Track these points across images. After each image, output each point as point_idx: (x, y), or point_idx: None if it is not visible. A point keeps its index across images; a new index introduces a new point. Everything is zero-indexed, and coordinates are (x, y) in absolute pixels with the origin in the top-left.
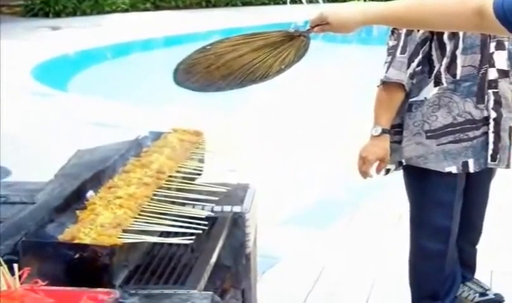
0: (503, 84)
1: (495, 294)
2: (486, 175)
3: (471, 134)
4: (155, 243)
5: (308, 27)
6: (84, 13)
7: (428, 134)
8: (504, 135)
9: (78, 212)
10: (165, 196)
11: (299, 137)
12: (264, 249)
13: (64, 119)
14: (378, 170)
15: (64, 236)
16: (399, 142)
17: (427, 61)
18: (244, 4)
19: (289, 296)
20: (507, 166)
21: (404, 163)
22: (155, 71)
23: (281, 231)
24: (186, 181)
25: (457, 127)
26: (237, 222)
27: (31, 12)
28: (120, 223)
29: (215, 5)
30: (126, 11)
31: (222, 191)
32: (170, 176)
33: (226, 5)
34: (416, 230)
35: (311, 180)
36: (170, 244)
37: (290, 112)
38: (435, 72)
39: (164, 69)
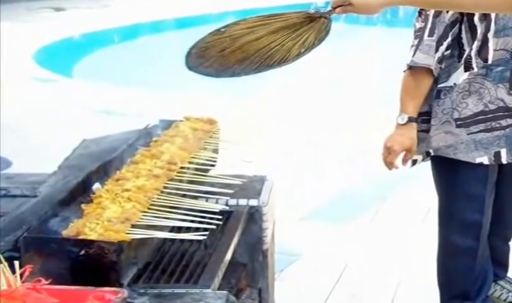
0: None
1: None
2: None
3: (503, 122)
4: (165, 239)
5: (329, 8)
6: None
7: (458, 123)
8: None
9: (83, 206)
10: (177, 189)
11: (320, 125)
12: (282, 245)
13: (69, 107)
14: (404, 161)
15: (69, 231)
16: (427, 131)
17: (457, 44)
18: None
19: (309, 296)
20: None
21: (432, 154)
22: (166, 55)
23: (301, 226)
24: (199, 173)
25: (489, 115)
26: (254, 216)
27: None
28: (128, 217)
29: None
30: None
31: (237, 183)
32: (182, 167)
33: None
34: (445, 225)
35: (333, 171)
36: (182, 240)
37: (310, 98)
38: (465, 56)
39: (175, 53)
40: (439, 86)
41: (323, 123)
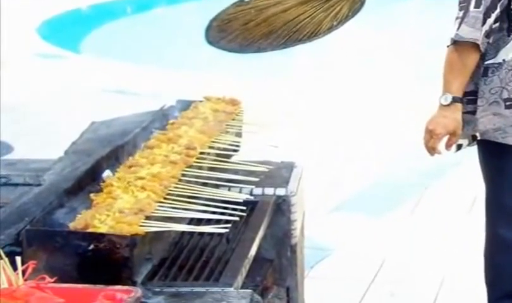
0: None
1: None
2: None
3: None
4: (183, 233)
5: None
6: None
7: (508, 103)
8: None
9: (92, 195)
10: (196, 177)
11: (353, 107)
12: (313, 239)
13: (76, 86)
14: (448, 146)
15: (76, 224)
16: (473, 112)
17: (506, 16)
18: None
19: (342, 295)
20: None
21: (478, 138)
22: (184, 29)
23: (333, 218)
24: (221, 159)
25: None
26: (281, 207)
27: None
28: (142, 208)
29: None
30: None
31: (263, 171)
32: (201, 153)
33: None
34: (493, 217)
35: (369, 158)
36: (202, 233)
37: (342, 78)
38: None
39: (194, 25)
40: (486, 62)
41: (357, 105)
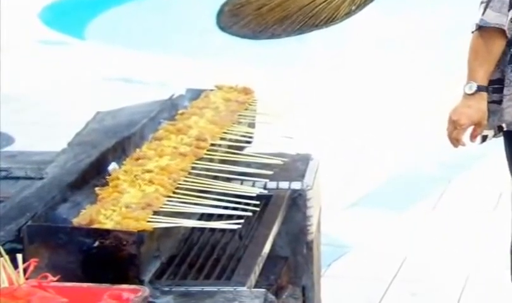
0: None
1: None
2: None
3: None
4: (193, 229)
5: None
6: None
7: None
8: None
9: (97, 189)
10: (207, 170)
11: (372, 97)
12: (330, 235)
13: (80, 74)
14: (473, 137)
15: (80, 219)
16: (499, 102)
17: None
18: None
19: (361, 295)
20: None
21: (505, 128)
22: (193, 14)
23: (351, 213)
24: (233, 151)
25: None
26: (297, 202)
27: None
28: (150, 203)
29: None
30: None
31: (277, 163)
32: (212, 144)
33: None
34: None
35: (388, 150)
36: (213, 230)
37: (360, 66)
38: None
39: (204, 10)
40: None
41: (375, 94)
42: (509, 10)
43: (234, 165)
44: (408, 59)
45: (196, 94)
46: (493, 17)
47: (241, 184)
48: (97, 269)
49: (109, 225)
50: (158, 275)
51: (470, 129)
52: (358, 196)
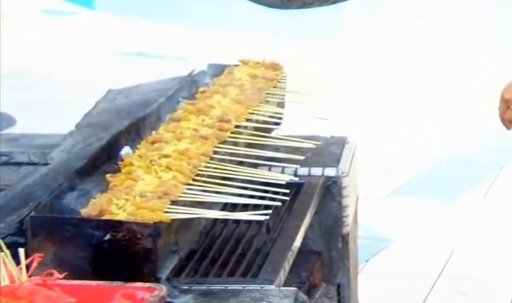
0: None
1: None
2: None
3: None
4: (216, 220)
5: None
6: None
7: None
8: None
9: (108, 176)
10: (231, 154)
11: (417, 75)
12: (368, 228)
13: (90, 47)
14: None
15: (90, 210)
16: None
17: None
18: None
19: (403, 293)
20: None
21: None
22: None
23: (392, 203)
24: (260, 133)
25: None
26: (331, 190)
27: None
28: (167, 191)
29: None
30: None
31: (309, 147)
32: (237, 126)
33: None
34: None
35: (433, 133)
36: (238, 221)
37: (403, 39)
38: None
39: None
40: None
41: (420, 72)
42: None
43: (261, 149)
44: (452, 32)
45: (218, 70)
46: None
47: (269, 170)
48: (108, 266)
49: (121, 216)
50: (177, 272)
51: None
52: (400, 183)
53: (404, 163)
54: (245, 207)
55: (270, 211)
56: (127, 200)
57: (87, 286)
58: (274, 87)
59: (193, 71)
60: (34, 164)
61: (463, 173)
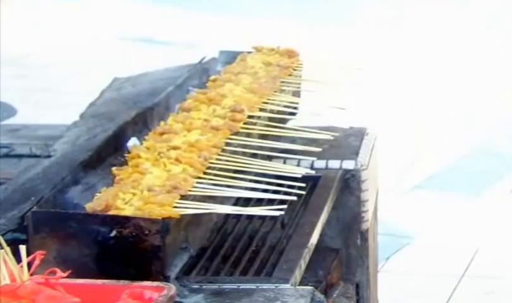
0: None
1: None
2: None
3: None
4: (228, 216)
5: None
6: None
7: None
8: None
9: (114, 169)
10: (244, 146)
11: (440, 61)
12: (389, 224)
13: (94, 33)
14: None
15: (95, 204)
16: None
17: None
18: None
19: (425, 293)
20: None
21: None
22: None
23: (414, 198)
24: (274, 124)
25: None
26: (350, 184)
27: None
28: (177, 185)
29: None
30: None
31: (326, 138)
32: (250, 116)
33: None
34: None
35: (459, 123)
36: (251, 217)
37: (424, 24)
38: None
39: None
40: None
41: (444, 58)
42: None
43: (275, 140)
44: (478, 15)
45: (230, 57)
46: None
47: (284, 162)
48: (114, 264)
49: (128, 211)
50: (187, 270)
51: None
52: (422, 177)
53: (427, 155)
54: (259, 202)
55: (285, 206)
56: (134, 194)
57: (92, 286)
58: (289, 75)
59: (203, 58)
60: (36, 156)
61: (489, 166)
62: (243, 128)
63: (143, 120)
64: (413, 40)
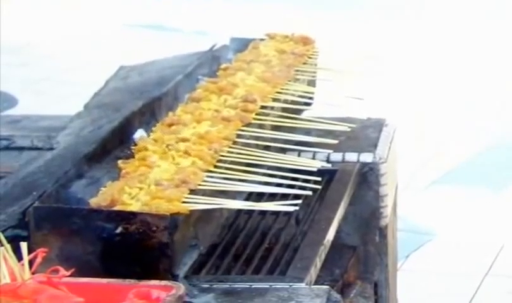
0: None
1: None
2: None
3: None
4: (239, 211)
5: None
6: None
7: None
8: None
9: (120, 163)
10: (256, 138)
11: (462, 49)
12: (408, 220)
13: (99, 20)
14: None
15: (100, 199)
16: None
17: None
18: None
19: (447, 292)
20: None
21: None
22: None
23: (434, 193)
24: (288, 115)
25: None
26: (368, 178)
27: None
28: (186, 179)
29: None
30: None
31: (343, 130)
32: (263, 107)
33: None
34: None
35: (481, 115)
36: (264, 212)
37: (444, 11)
38: None
39: None
40: None
41: (465, 46)
42: None
43: (289, 132)
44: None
45: (242, 44)
46: None
47: (299, 155)
48: (120, 262)
49: (134, 206)
50: (196, 269)
51: None
52: (443, 171)
53: (448, 148)
54: (272, 197)
55: (299, 201)
56: (141, 189)
57: (96, 285)
58: (304, 63)
59: (214, 46)
60: (38, 149)
61: (510, 161)
62: (255, 119)
63: (150, 110)
64: (434, 27)
